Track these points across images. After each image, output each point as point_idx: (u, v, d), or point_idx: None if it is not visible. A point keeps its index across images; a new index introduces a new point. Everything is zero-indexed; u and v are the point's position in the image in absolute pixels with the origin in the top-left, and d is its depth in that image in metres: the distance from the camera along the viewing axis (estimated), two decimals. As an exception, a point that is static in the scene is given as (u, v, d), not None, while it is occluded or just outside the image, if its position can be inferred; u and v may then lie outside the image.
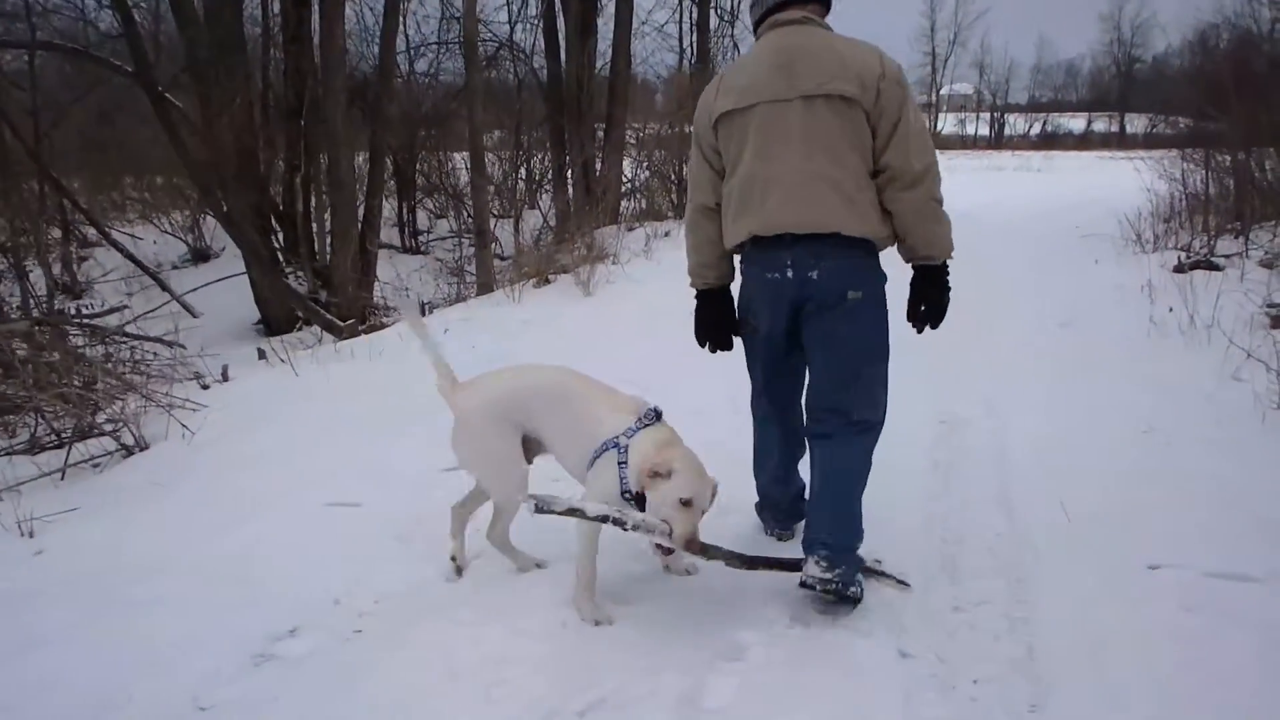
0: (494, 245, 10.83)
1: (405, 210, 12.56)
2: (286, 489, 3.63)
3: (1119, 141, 47.26)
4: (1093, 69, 66.55)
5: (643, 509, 2.53)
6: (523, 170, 12.40)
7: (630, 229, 11.05)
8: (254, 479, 3.77)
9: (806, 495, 2.97)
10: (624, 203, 12.46)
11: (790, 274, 2.66)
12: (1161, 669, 2.42)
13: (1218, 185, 10.73)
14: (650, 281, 7.69)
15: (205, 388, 5.23)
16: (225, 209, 8.34)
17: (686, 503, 2.47)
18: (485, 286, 8.72)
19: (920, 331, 2.87)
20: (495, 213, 12.41)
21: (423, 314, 7.02)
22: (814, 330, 2.74)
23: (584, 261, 7.80)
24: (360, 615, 2.73)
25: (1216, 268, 7.52)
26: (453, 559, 2.95)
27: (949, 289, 2.81)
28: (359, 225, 9.39)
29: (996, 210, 14.53)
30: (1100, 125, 55.99)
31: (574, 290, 7.24)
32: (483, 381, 2.86)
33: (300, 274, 9.41)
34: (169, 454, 4.12)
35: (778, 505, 3.18)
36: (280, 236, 9.97)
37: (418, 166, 13.12)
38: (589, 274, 7.46)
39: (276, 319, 9.08)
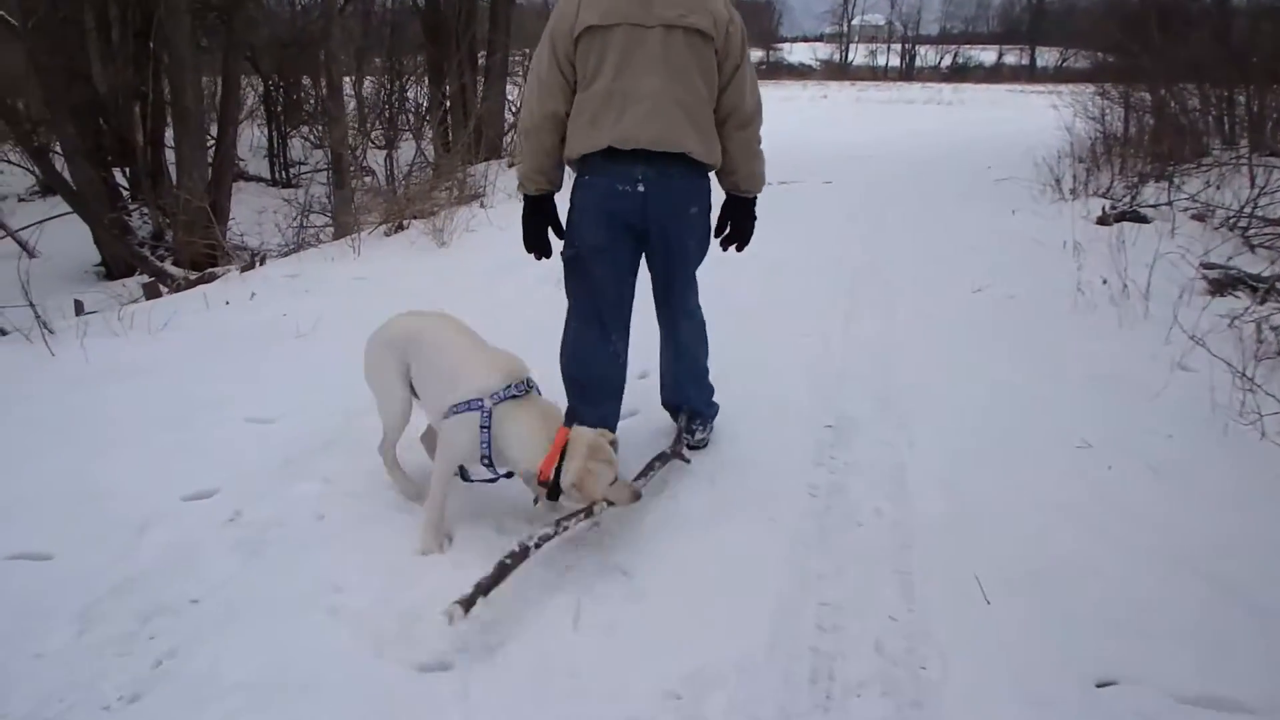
0: (370, 179, 9.50)
1: (277, 140, 10.97)
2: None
3: (1029, 75, 46.77)
4: (1003, 1, 65.40)
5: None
6: (399, 99, 10.80)
7: (511, 165, 9.77)
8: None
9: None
10: (507, 137, 11.12)
11: (641, 188, 2.75)
12: None
13: (1137, 124, 10.01)
14: (517, 230, 6.47)
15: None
16: (35, 140, 6.89)
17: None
18: (345, 229, 7.44)
19: (725, 249, 3.10)
20: (374, 144, 10.95)
21: (252, 265, 5.74)
22: (661, 239, 2.87)
23: (443, 206, 6.57)
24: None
25: (1144, 219, 6.77)
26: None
27: (755, 217, 3.08)
28: (208, 158, 7.99)
29: (905, 147, 13.69)
30: (1011, 58, 55.24)
31: (426, 240, 6.02)
32: (389, 321, 2.81)
33: (145, 212, 7.99)
34: None
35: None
36: (127, 170, 8.48)
37: (299, 94, 11.53)
38: (446, 221, 6.24)
39: (117, 262, 7.74)
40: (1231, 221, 6.11)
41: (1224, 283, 4.87)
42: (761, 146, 2.95)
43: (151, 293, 5.44)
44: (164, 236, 7.83)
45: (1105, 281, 4.80)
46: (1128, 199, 7.52)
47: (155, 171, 8.18)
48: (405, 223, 6.50)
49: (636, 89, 2.69)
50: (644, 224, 2.82)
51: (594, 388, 2.98)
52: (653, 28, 2.69)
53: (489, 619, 2.21)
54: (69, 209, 7.69)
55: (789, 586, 2.39)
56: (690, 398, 3.16)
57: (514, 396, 2.46)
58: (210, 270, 5.89)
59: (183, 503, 2.76)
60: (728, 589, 2.36)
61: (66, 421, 3.30)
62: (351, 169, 10.14)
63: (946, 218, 7.52)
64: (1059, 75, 36.73)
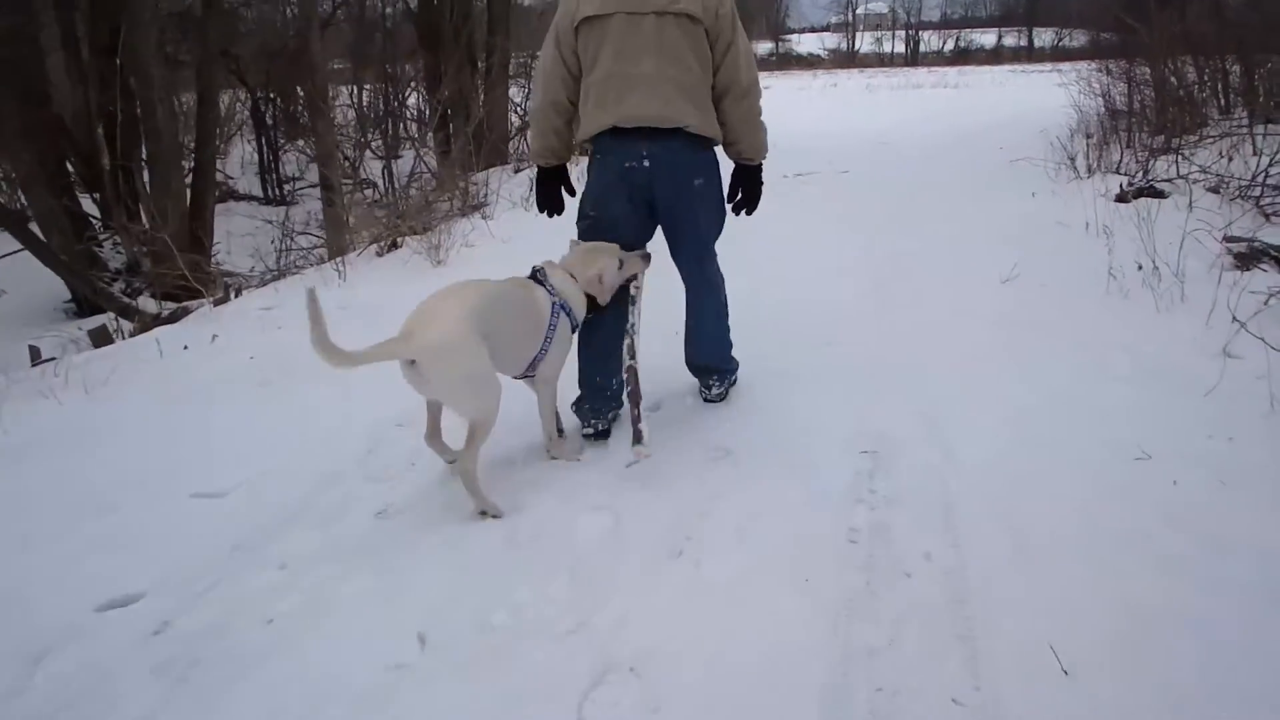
0: (370, 192, 9.11)
1: (268, 155, 10.56)
2: None
3: (1028, 55, 46.86)
4: (1000, -17, 65.11)
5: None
6: (399, 107, 10.33)
7: (517, 170, 9.37)
8: None
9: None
10: (514, 140, 10.71)
11: (647, 163, 2.92)
12: None
13: (1139, 98, 9.64)
14: (521, 242, 6.05)
15: None
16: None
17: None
18: (338, 250, 7.04)
19: (738, 215, 3.25)
20: (374, 153, 10.54)
21: (226, 298, 5.35)
22: (669, 210, 3.05)
23: (440, 219, 6.15)
24: None
25: (1161, 194, 6.40)
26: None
27: (762, 182, 3.23)
28: (185, 180, 7.61)
29: (918, 132, 13.19)
30: (1010, 40, 55.70)
31: (420, 260, 5.58)
32: (442, 309, 2.56)
33: (118, 242, 7.57)
34: None
35: (604, 393, 3.17)
36: (98, 197, 8.06)
37: (291, 105, 11.12)
38: (442, 236, 5.83)
39: (88, 297, 7.29)
40: (1244, 191, 5.79)
41: (1249, 256, 4.59)
42: (762, 118, 3.10)
43: (100, 339, 4.92)
44: (140, 267, 7.38)
45: (1141, 267, 4.38)
46: (1141, 174, 7.15)
47: (128, 197, 7.70)
48: (399, 240, 6.07)
49: (634, 72, 2.86)
50: (652, 196, 3.00)
51: (600, 343, 3.12)
52: (646, 14, 2.85)
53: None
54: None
55: (835, 670, 1.95)
56: (703, 353, 3.29)
57: (541, 280, 2.88)
58: (184, 305, 5.48)
59: (96, 614, 2.23)
60: (762, 682, 1.93)
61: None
62: (348, 183, 9.77)
63: (967, 203, 7.04)
64: (1056, 54, 36.38)
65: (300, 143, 11.34)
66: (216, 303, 5.26)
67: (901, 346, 3.85)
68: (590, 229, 3.08)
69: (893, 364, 3.65)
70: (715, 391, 3.33)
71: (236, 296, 5.34)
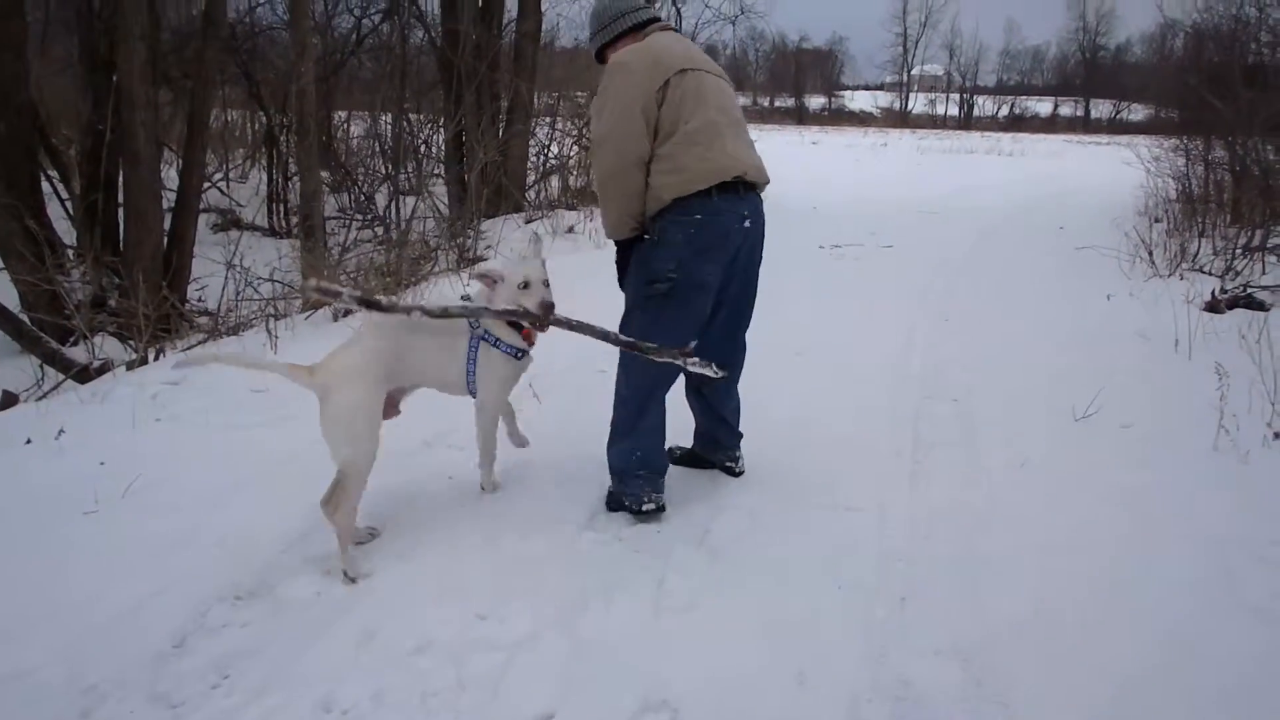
0: (379, 230, 8.27)
1: (280, 183, 9.81)
2: None
3: (1084, 125, 45.92)
4: (1058, 55, 64.92)
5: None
6: (410, 142, 9.49)
7: (529, 220, 8.49)
8: None
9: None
10: (538, 185, 9.88)
11: (747, 223, 2.69)
12: None
13: (1215, 182, 8.57)
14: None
15: None
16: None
17: (525, 285, 2.59)
18: (321, 298, 6.14)
19: None
20: (402, 189, 9.71)
21: (144, 359, 4.43)
22: (747, 277, 2.82)
23: (420, 279, 5.25)
24: None
25: (1261, 306, 5.34)
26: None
27: None
28: (161, 209, 6.81)
29: (970, 203, 12.11)
30: (1065, 109, 54.87)
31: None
32: (346, 353, 2.53)
33: (85, 270, 6.75)
34: None
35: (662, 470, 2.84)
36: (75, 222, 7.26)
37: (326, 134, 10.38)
38: (409, 297, 4.91)
39: (50, 329, 6.44)
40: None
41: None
42: None
43: (7, 401, 4.08)
44: (106, 303, 6.55)
45: (1278, 435, 3.24)
46: (1227, 273, 6.18)
47: (107, 222, 6.91)
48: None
49: (733, 119, 2.71)
50: (739, 256, 2.74)
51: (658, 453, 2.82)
52: (720, 76, 2.77)
53: None
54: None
55: None
56: (737, 417, 3.07)
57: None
58: (105, 359, 4.60)
59: None
60: None
61: None
62: (360, 218, 8.94)
63: (1026, 299, 5.91)
64: (1113, 126, 35.28)
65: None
66: (130, 366, 4.37)
67: (943, 523, 2.75)
68: (671, 292, 2.63)
69: (928, 557, 2.55)
70: (743, 463, 3.10)
71: (158, 359, 4.43)
